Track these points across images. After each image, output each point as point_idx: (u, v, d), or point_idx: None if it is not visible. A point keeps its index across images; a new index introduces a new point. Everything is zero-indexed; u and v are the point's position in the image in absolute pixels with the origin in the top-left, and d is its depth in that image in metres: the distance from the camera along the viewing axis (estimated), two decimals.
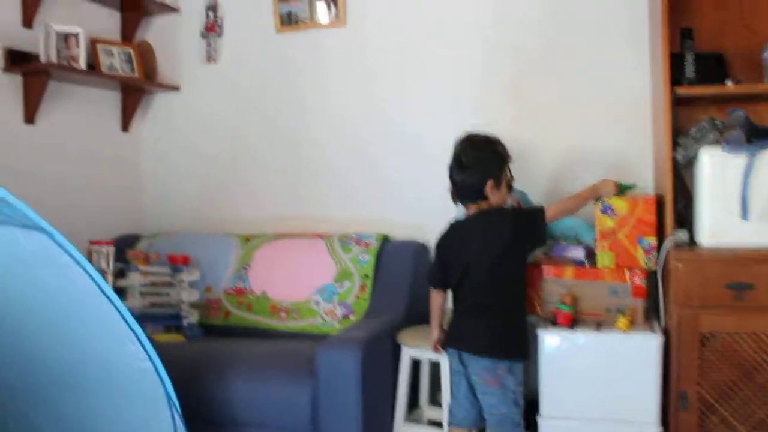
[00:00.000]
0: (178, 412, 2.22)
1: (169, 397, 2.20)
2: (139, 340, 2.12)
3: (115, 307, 2.09)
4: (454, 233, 2.59)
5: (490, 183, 2.48)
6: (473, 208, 2.53)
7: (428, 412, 3.06)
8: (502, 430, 2.42)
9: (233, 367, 2.72)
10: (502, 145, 2.59)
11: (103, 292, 2.08)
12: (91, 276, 2.06)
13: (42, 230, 2.00)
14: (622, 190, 2.66)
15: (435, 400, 3.05)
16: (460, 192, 2.54)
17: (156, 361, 2.17)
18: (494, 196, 2.50)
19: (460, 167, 2.52)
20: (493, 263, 2.46)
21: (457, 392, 2.54)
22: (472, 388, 2.48)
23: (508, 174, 2.57)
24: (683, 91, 2.60)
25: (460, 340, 2.50)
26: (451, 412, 2.57)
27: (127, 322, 2.11)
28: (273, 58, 3.72)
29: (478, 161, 2.50)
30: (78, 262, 2.05)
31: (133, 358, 2.15)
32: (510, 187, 2.64)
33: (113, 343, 2.15)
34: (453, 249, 2.56)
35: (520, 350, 2.47)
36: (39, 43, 3.25)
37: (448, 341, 2.56)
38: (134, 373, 2.18)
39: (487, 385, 2.42)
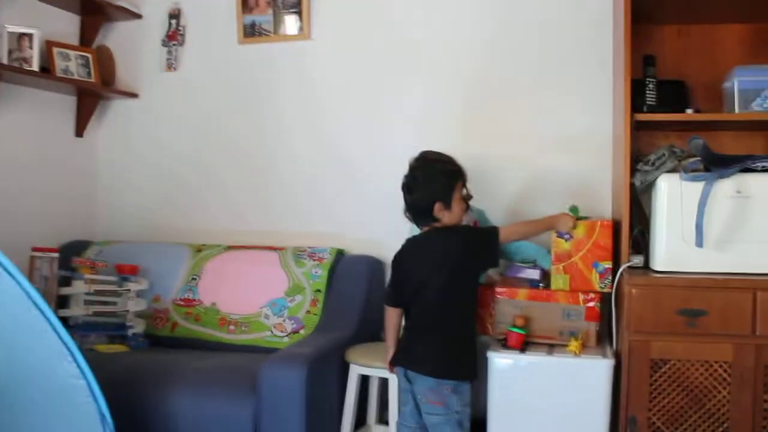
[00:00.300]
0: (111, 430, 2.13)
1: (102, 416, 2.11)
2: (72, 356, 2.03)
3: (48, 321, 2.01)
4: (409, 250, 2.54)
5: (438, 205, 2.43)
6: (426, 228, 2.50)
7: (376, 430, 2.98)
8: None
9: (173, 381, 2.63)
10: (455, 164, 2.54)
11: (36, 305, 2.00)
12: (24, 289, 1.99)
13: None
14: (575, 212, 2.65)
15: (383, 418, 2.98)
16: (412, 213, 2.50)
17: (90, 378, 2.08)
18: (445, 218, 2.45)
19: (410, 188, 2.48)
20: (444, 282, 2.41)
21: (404, 410, 2.48)
22: (418, 407, 2.42)
23: (463, 192, 2.51)
24: (643, 117, 2.59)
25: (407, 358, 2.45)
26: (397, 431, 2.51)
27: (60, 337, 2.02)
28: (235, 68, 3.66)
29: (426, 182, 2.45)
30: (10, 274, 1.98)
31: (67, 374, 2.07)
32: (467, 206, 2.60)
33: (46, 359, 2.07)
34: (407, 266, 2.52)
35: (465, 371, 2.41)
36: None
37: (396, 359, 2.50)
38: (68, 389, 2.09)
39: (431, 405, 2.36)
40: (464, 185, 2.52)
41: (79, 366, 2.05)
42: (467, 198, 2.56)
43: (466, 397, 2.39)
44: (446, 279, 2.41)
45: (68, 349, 2.03)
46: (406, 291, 2.49)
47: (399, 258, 2.55)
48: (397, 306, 2.55)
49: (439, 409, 2.35)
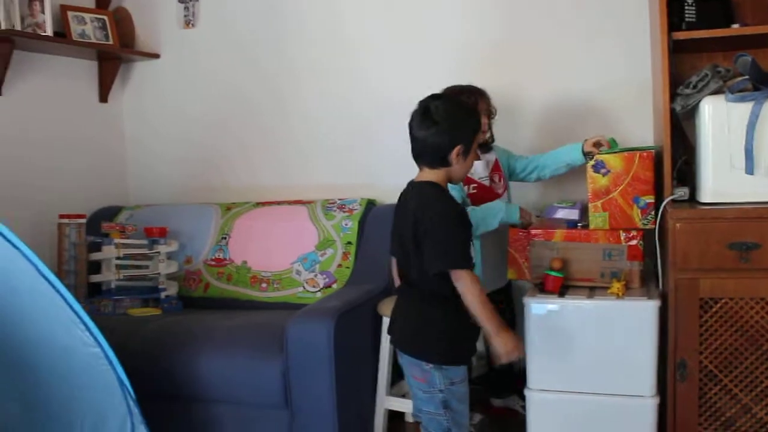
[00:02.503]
0: (132, 397, 2.09)
1: (121, 383, 2.06)
2: (84, 323, 1.99)
3: (56, 289, 1.97)
4: (401, 197, 2.15)
5: (459, 148, 2.00)
6: (425, 175, 2.08)
7: None
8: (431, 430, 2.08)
9: (204, 341, 2.58)
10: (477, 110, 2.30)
11: (42, 274, 1.96)
12: (28, 258, 1.95)
13: None
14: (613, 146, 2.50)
15: None
16: (420, 151, 2.05)
17: (105, 346, 2.03)
18: (458, 165, 2.04)
19: (425, 121, 2.00)
20: (413, 246, 2.02)
21: (407, 379, 2.20)
22: None
23: (479, 140, 2.15)
24: (682, 35, 2.38)
25: (391, 327, 2.21)
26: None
27: (69, 305, 1.97)
28: (253, 20, 3.53)
29: (450, 117, 2.00)
30: (13, 245, 1.94)
31: (81, 342, 2.03)
32: (485, 148, 2.50)
33: (58, 327, 2.03)
34: (396, 214, 2.16)
35: (440, 356, 2.03)
36: None
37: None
38: (84, 357, 2.05)
39: (414, 380, 2.08)
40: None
41: (92, 333, 2.00)
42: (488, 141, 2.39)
43: (453, 375, 2.04)
44: (413, 244, 2.02)
45: (79, 317, 1.98)
46: (393, 244, 2.17)
47: (398, 200, 2.16)
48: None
49: (422, 385, 2.06)
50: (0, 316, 1.98)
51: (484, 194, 2.69)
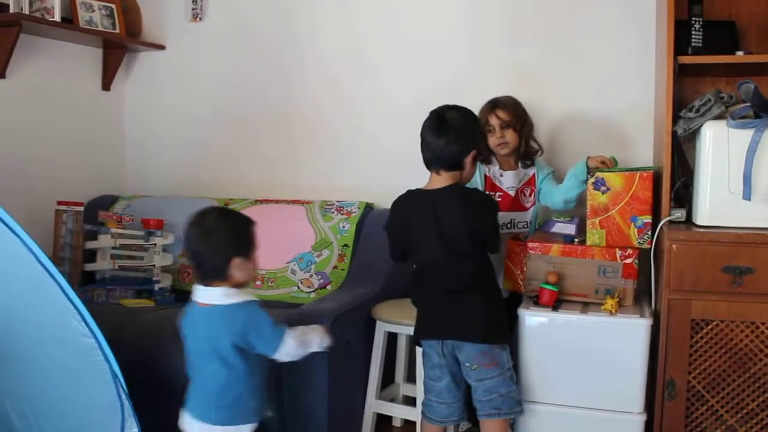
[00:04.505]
0: (124, 390, 2.08)
1: (114, 375, 2.06)
2: (80, 314, 1.98)
3: (53, 277, 1.96)
4: (423, 206, 2.28)
5: (473, 154, 2.28)
6: (443, 179, 2.27)
7: (404, 388, 2.91)
8: (506, 411, 2.28)
9: None
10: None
11: (39, 261, 1.95)
12: (26, 244, 1.94)
13: None
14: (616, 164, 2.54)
15: (412, 376, 2.90)
16: (437, 157, 2.25)
17: (99, 337, 2.02)
18: (469, 169, 2.30)
19: (442, 129, 2.24)
20: (469, 242, 2.24)
21: (437, 386, 2.32)
22: (454, 380, 2.30)
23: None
24: (687, 60, 2.40)
25: (448, 328, 2.26)
26: (431, 408, 2.34)
27: (66, 295, 1.97)
28: (262, 17, 3.54)
29: (465, 127, 2.26)
30: (12, 231, 1.93)
31: (75, 332, 2.01)
32: (527, 162, 2.79)
33: (54, 317, 2.01)
34: (418, 223, 2.29)
35: (509, 331, 2.34)
36: None
37: (425, 332, 2.32)
38: (78, 347, 2.03)
39: (485, 369, 2.25)
40: None
41: (87, 324, 1.99)
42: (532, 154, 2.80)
43: (508, 351, 2.33)
44: (470, 240, 2.25)
45: (75, 307, 1.97)
46: (423, 250, 2.29)
47: (406, 214, 2.33)
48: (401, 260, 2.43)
49: (494, 370, 2.26)
50: None
51: (508, 204, 2.78)
